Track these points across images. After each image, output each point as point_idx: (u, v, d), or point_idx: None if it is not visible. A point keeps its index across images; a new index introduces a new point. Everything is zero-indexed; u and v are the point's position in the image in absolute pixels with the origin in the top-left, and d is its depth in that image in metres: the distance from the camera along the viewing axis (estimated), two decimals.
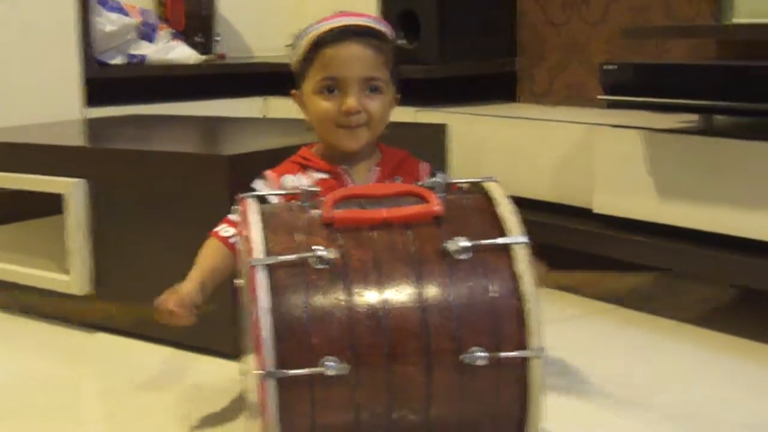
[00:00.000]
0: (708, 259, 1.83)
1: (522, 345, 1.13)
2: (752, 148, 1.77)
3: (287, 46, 1.51)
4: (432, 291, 1.13)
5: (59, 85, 2.75)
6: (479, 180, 1.27)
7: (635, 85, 1.95)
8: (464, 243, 1.14)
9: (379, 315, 1.11)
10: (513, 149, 2.30)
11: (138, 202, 1.88)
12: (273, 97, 3.09)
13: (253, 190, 1.46)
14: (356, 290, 1.12)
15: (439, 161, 1.96)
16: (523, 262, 1.15)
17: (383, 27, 1.47)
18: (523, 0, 2.69)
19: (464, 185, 1.30)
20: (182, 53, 3.11)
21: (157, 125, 2.51)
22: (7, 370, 1.80)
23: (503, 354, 1.12)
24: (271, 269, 1.12)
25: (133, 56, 3.01)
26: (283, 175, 1.48)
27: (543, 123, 2.29)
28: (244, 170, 1.58)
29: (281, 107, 3.01)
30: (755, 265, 1.76)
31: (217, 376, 1.69)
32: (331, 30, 1.43)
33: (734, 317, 1.93)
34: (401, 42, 2.54)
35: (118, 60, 2.98)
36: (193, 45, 3.17)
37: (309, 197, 1.23)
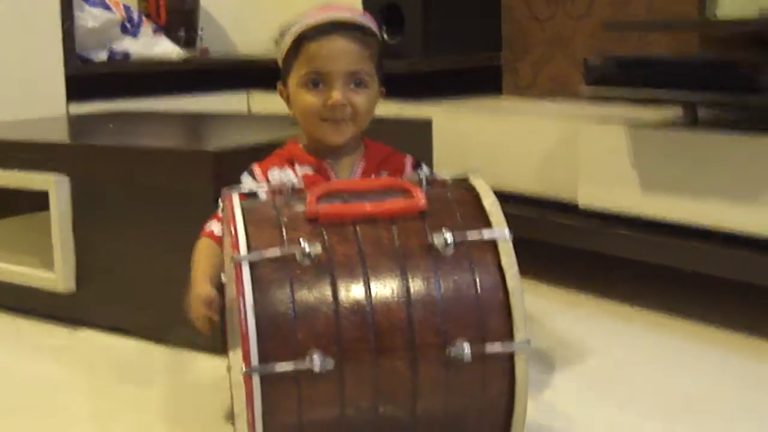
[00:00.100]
0: (692, 252, 1.84)
1: (508, 338, 1.13)
2: (736, 141, 1.78)
3: (272, 39, 1.51)
4: (417, 285, 1.13)
5: (43, 81, 2.74)
6: (463, 174, 1.27)
7: (619, 78, 1.95)
8: (449, 237, 1.14)
9: (364, 310, 1.11)
10: (497, 143, 2.30)
11: (122, 198, 1.87)
12: (257, 91, 3.08)
13: (241, 183, 1.46)
14: (341, 285, 1.12)
15: (423, 156, 1.96)
16: (508, 255, 1.15)
17: (368, 21, 1.47)
18: None
19: (448, 179, 1.30)
20: (165, 48, 3.09)
21: (140, 121, 2.50)
22: None
23: (489, 348, 1.12)
24: (256, 265, 1.11)
25: (116, 52, 2.99)
26: (269, 169, 1.48)
27: (527, 117, 2.29)
28: (229, 166, 1.58)
29: (265, 102, 3.00)
30: (739, 257, 1.76)
31: (203, 372, 1.69)
32: (316, 24, 1.43)
33: (717, 310, 1.93)
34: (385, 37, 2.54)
35: (101, 55, 2.96)
36: (176, 40, 3.16)
37: (293, 192, 1.23)
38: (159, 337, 1.83)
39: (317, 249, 1.12)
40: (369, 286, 1.12)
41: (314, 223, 1.16)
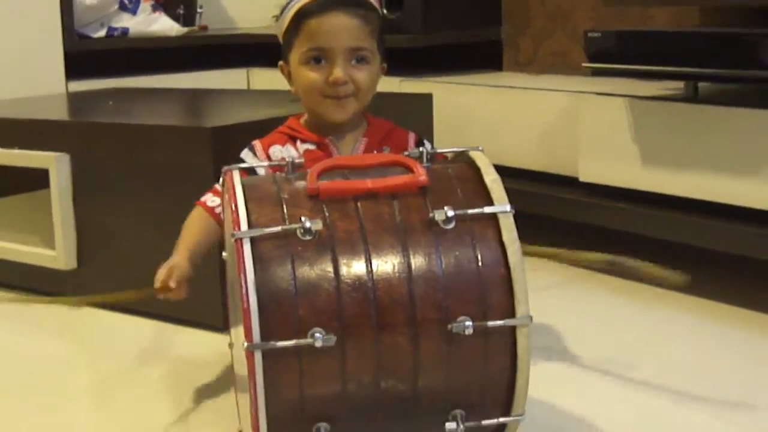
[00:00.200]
0: (693, 225, 1.84)
1: (509, 314, 1.13)
2: (737, 114, 1.78)
3: (273, 17, 1.50)
4: (418, 261, 1.13)
5: (42, 59, 2.73)
6: (464, 149, 1.27)
7: (620, 52, 1.95)
8: (450, 212, 1.14)
9: (366, 286, 1.11)
10: (498, 118, 2.30)
11: (122, 175, 1.87)
12: (256, 68, 3.07)
13: (242, 160, 1.46)
14: (342, 261, 1.12)
15: (424, 131, 1.96)
16: (510, 230, 1.14)
17: None
18: None
19: (449, 155, 1.29)
20: (164, 25, 3.08)
21: (139, 98, 2.50)
22: None
23: (490, 323, 1.12)
24: (257, 241, 1.11)
25: (115, 28, 2.98)
26: (271, 146, 1.47)
27: (528, 92, 2.28)
28: (227, 142, 1.58)
29: (265, 78, 2.99)
30: (740, 231, 1.76)
31: (205, 349, 1.70)
32: (317, 0, 1.42)
33: (718, 284, 1.94)
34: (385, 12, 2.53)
35: (99, 33, 2.95)
36: (176, 17, 3.14)
37: (293, 169, 1.23)
38: (162, 314, 1.83)
39: (318, 225, 1.12)
40: (370, 262, 1.12)
41: (315, 199, 1.16)
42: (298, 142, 1.47)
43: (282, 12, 1.46)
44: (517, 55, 2.68)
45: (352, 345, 1.10)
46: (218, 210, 1.43)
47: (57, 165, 1.91)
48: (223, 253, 1.38)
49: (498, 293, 1.13)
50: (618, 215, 1.97)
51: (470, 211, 1.15)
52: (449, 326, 1.11)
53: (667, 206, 1.89)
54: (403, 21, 2.61)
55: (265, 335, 1.08)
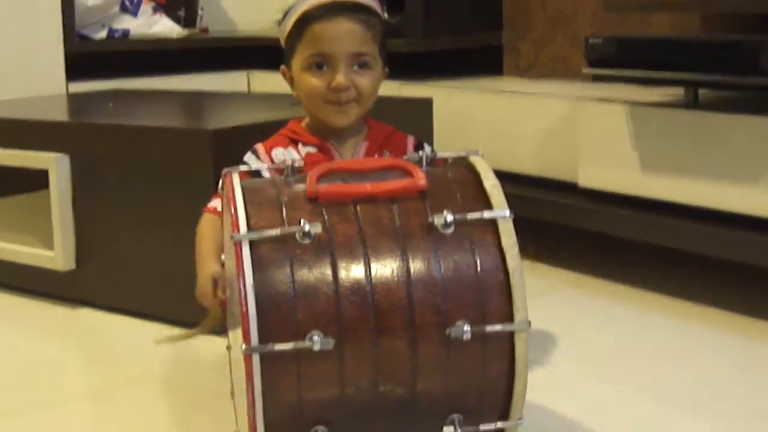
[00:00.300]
0: (692, 232, 1.84)
1: (508, 319, 1.13)
2: (736, 121, 1.78)
3: (276, 21, 1.50)
4: (417, 265, 1.13)
5: (42, 59, 2.73)
6: (464, 154, 1.27)
7: (620, 58, 1.95)
8: (450, 217, 1.14)
9: (364, 290, 1.11)
10: (498, 123, 2.30)
11: (122, 177, 1.87)
12: (257, 71, 3.08)
13: (245, 163, 1.46)
14: (341, 265, 1.12)
15: (424, 135, 1.96)
16: (509, 235, 1.14)
17: (371, 1, 1.46)
18: None
19: (449, 159, 1.29)
20: (165, 27, 3.08)
21: (140, 100, 2.50)
22: None
23: (489, 328, 1.12)
24: (256, 244, 1.11)
25: (116, 30, 2.98)
26: (273, 148, 1.47)
27: (528, 97, 2.28)
28: (228, 145, 1.58)
29: (265, 81, 2.99)
30: (739, 238, 1.76)
31: (202, 351, 1.69)
32: (320, 5, 1.41)
33: (718, 290, 1.94)
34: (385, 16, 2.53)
35: (100, 34, 2.95)
36: (177, 19, 3.14)
37: (293, 172, 1.23)
38: (158, 316, 1.83)
39: (317, 228, 1.12)
40: (369, 266, 1.12)
41: (314, 202, 1.16)
42: (300, 145, 1.47)
43: (285, 16, 1.46)
44: (517, 60, 2.69)
45: (350, 349, 1.10)
46: None
47: (57, 166, 1.91)
48: (222, 256, 1.38)
49: (497, 298, 1.13)
50: (617, 221, 1.97)
51: (469, 216, 1.15)
52: (447, 330, 1.11)
53: (667, 212, 1.89)
54: (404, 25, 2.61)
55: (264, 338, 1.08)
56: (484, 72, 2.72)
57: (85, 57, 2.85)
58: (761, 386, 1.52)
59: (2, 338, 1.84)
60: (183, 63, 3.01)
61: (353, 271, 1.12)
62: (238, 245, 1.10)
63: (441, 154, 1.29)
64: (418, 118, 2.05)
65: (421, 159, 1.25)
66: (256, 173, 1.37)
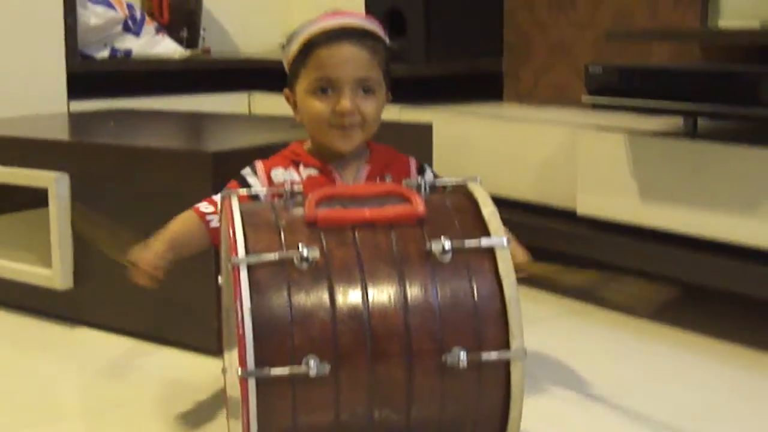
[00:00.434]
0: (690, 262, 1.84)
1: (504, 346, 1.13)
2: (735, 152, 1.78)
3: (280, 45, 1.50)
4: (414, 292, 1.13)
5: (44, 78, 2.74)
6: (462, 181, 1.27)
7: (620, 87, 1.96)
8: (447, 244, 1.14)
9: (361, 315, 1.11)
10: (497, 149, 2.30)
11: (120, 197, 1.87)
12: (258, 92, 3.09)
13: (243, 177, 1.46)
14: (339, 290, 1.12)
15: (423, 160, 1.96)
16: (506, 263, 1.15)
17: (376, 27, 1.46)
18: (510, 0, 2.69)
19: (447, 185, 1.30)
20: (167, 48, 3.10)
21: (141, 120, 2.50)
22: None
23: (485, 355, 1.12)
24: (253, 268, 1.11)
25: (118, 50, 2.99)
26: (273, 168, 1.48)
27: (528, 123, 2.29)
28: (227, 167, 1.58)
29: (266, 103, 3.00)
30: (738, 269, 1.76)
31: (198, 373, 1.69)
32: (325, 30, 1.42)
33: (717, 321, 1.94)
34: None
35: (103, 53, 2.96)
36: (179, 39, 3.16)
37: (292, 196, 1.23)
38: (155, 336, 1.83)
39: (315, 253, 1.12)
40: (366, 292, 1.12)
41: (313, 227, 1.16)
42: (301, 167, 1.47)
43: (289, 41, 1.47)
44: (517, 86, 2.70)
45: (346, 374, 1.10)
46: (209, 218, 1.43)
47: (56, 184, 1.91)
48: (219, 278, 1.38)
49: (493, 326, 1.13)
50: (615, 249, 1.97)
51: (467, 243, 1.15)
52: (443, 358, 1.11)
53: (665, 241, 1.89)
54: (405, 50, 2.62)
55: (260, 362, 1.08)
56: (484, 98, 2.73)
57: (86, 76, 2.86)
58: (759, 416, 1.51)
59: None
60: (184, 83, 3.02)
61: (350, 297, 1.12)
62: (235, 269, 1.10)
63: (439, 181, 1.30)
64: (417, 143, 2.05)
65: (420, 185, 1.25)
66: (255, 197, 1.37)
